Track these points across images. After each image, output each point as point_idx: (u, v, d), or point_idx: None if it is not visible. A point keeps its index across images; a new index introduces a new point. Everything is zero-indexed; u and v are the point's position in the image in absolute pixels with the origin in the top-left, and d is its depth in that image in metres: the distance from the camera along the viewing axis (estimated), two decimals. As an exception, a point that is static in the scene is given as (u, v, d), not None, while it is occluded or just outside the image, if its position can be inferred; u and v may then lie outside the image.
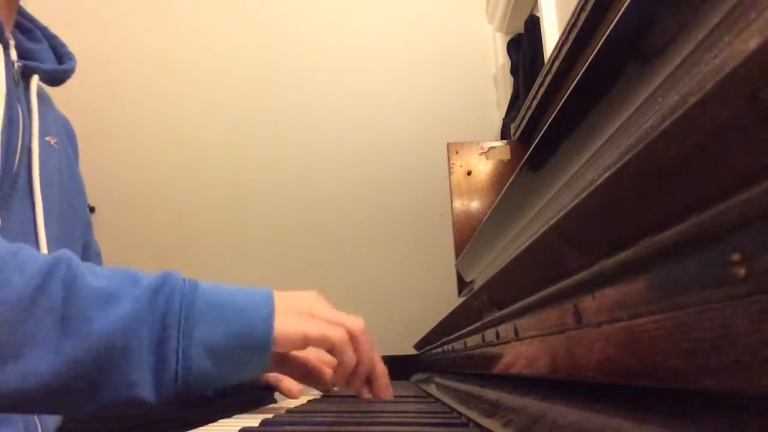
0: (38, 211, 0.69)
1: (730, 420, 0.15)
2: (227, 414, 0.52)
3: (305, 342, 0.51)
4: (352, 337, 0.54)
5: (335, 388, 0.55)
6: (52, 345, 0.44)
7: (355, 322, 0.54)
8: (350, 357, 0.53)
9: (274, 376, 0.78)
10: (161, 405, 0.47)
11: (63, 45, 0.82)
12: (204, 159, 1.85)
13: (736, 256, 0.13)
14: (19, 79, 0.71)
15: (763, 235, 0.12)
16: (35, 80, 0.73)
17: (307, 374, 0.59)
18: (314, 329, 0.51)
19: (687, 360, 0.16)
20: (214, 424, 0.46)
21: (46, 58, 0.79)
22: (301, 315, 0.52)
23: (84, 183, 0.90)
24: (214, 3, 1.96)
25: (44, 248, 0.69)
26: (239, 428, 0.39)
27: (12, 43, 0.73)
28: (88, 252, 0.88)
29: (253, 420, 0.45)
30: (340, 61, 1.90)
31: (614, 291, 0.20)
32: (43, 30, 0.81)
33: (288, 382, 0.78)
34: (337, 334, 0.52)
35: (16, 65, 0.71)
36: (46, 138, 0.75)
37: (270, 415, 0.48)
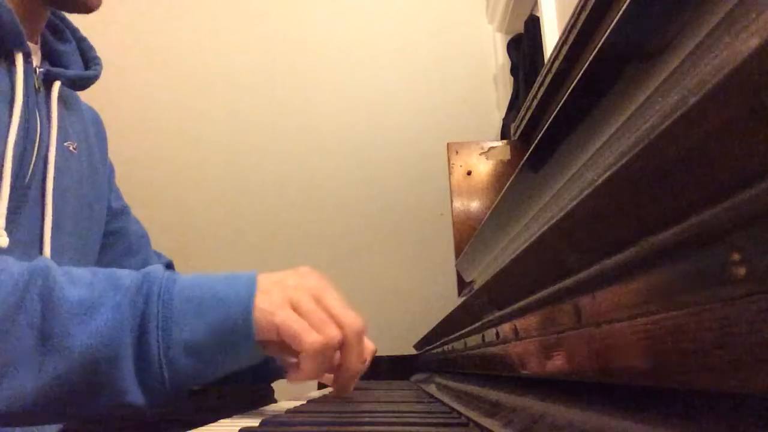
0: (46, 226, 0.67)
1: (730, 420, 0.15)
2: (227, 414, 0.52)
3: (279, 335, 0.48)
4: (344, 343, 0.50)
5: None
6: (35, 365, 0.43)
7: (351, 324, 0.51)
8: (319, 364, 0.49)
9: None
10: (157, 406, 0.47)
11: (91, 48, 0.81)
12: (204, 159, 1.85)
13: (736, 256, 0.13)
14: (41, 86, 0.70)
15: (763, 235, 0.12)
16: (57, 86, 0.71)
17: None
18: (288, 326, 0.48)
19: (687, 360, 0.16)
20: (214, 424, 0.46)
21: (72, 61, 0.77)
22: (285, 303, 0.49)
23: (114, 170, 0.90)
24: (214, 3, 1.96)
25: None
26: (239, 428, 0.39)
27: (37, 47, 0.71)
28: (128, 238, 0.88)
29: (253, 420, 0.45)
30: (340, 61, 1.90)
31: (614, 291, 0.20)
32: (74, 31, 0.80)
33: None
34: (310, 340, 0.48)
35: (38, 71, 0.69)
36: (65, 144, 0.73)
37: (270, 415, 0.48)
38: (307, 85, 1.88)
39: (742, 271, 0.13)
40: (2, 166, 0.62)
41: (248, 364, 0.51)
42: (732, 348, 0.14)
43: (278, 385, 0.83)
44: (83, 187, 0.77)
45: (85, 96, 0.84)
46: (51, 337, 0.44)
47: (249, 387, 0.82)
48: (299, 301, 0.50)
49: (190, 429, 0.41)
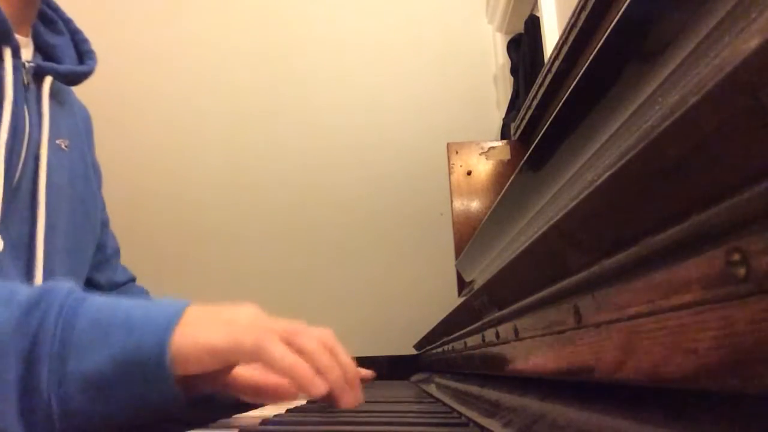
0: (39, 227, 0.63)
1: (730, 420, 0.15)
2: (226, 414, 0.52)
3: (212, 356, 0.39)
4: (290, 339, 0.42)
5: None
6: None
7: (291, 324, 0.44)
8: (288, 361, 0.40)
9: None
10: None
11: (85, 41, 0.76)
12: (203, 158, 1.85)
13: (736, 256, 0.13)
14: (30, 82, 0.66)
15: (763, 235, 0.12)
16: (48, 81, 0.68)
17: (260, 392, 0.47)
18: (220, 338, 0.39)
19: (687, 360, 0.16)
20: (214, 424, 0.46)
21: (66, 55, 0.73)
22: (215, 324, 0.41)
23: (101, 171, 0.86)
24: (214, 1, 1.96)
25: (39, 268, 0.63)
26: (239, 428, 0.39)
27: (27, 39, 0.67)
28: (105, 251, 0.84)
29: (252, 420, 0.45)
30: (340, 60, 1.90)
31: (614, 291, 0.20)
32: (67, 22, 0.75)
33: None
34: (250, 338, 0.40)
35: (27, 65, 0.66)
36: (57, 141, 0.70)
37: (270, 415, 0.48)
38: (307, 85, 1.88)
39: (742, 271, 0.13)
40: None
41: (169, 407, 0.41)
42: (732, 348, 0.14)
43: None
44: (76, 185, 0.74)
45: (80, 93, 0.82)
46: None
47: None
48: (234, 318, 0.42)
49: (190, 429, 0.41)
